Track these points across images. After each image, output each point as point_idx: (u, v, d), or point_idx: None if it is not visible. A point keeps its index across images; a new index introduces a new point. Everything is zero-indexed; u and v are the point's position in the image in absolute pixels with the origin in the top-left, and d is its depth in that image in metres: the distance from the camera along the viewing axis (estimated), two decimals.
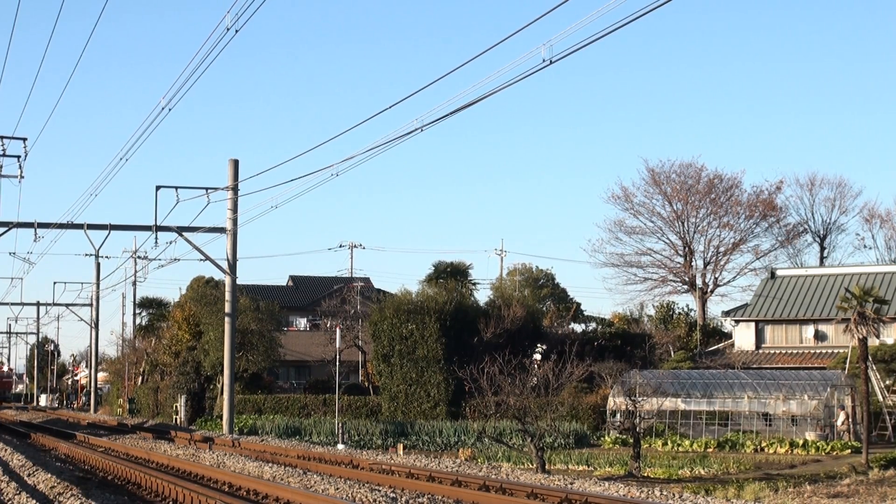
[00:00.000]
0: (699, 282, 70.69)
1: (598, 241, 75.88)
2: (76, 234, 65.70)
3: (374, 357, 55.42)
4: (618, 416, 42.94)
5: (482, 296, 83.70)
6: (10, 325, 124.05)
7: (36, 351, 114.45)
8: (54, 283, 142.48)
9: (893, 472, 30.75)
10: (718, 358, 58.85)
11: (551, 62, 17.88)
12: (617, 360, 52.03)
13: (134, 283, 79.18)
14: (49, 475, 23.66)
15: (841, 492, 25.34)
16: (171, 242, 44.55)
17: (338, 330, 49.99)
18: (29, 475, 24.67)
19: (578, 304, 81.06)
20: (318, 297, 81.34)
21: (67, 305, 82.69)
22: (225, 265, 44.21)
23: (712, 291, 70.97)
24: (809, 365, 53.25)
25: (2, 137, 41.90)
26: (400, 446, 37.88)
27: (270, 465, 27.49)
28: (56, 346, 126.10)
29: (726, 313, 65.95)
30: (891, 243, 75.52)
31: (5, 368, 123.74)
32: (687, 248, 71.03)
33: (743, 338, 60.20)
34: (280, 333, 65.36)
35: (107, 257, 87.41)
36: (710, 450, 39.33)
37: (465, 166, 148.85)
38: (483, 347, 48.28)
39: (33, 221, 43.14)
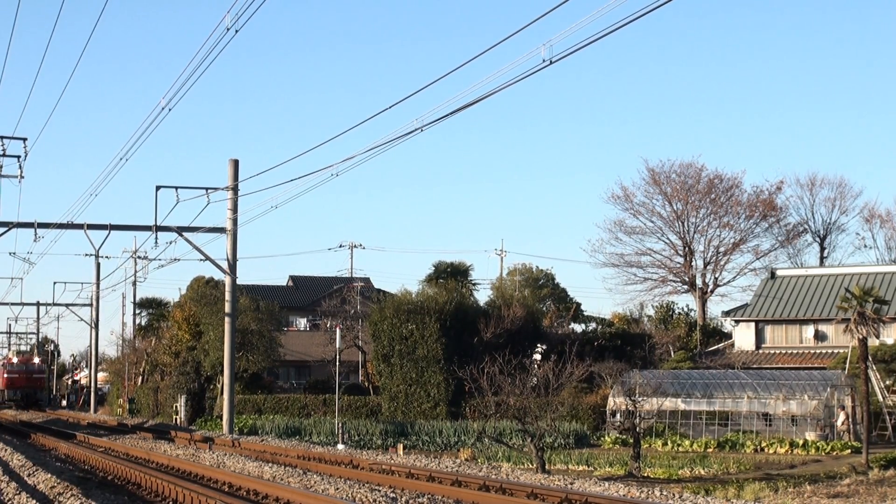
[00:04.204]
0: (699, 282, 70.71)
1: (598, 241, 75.99)
2: (76, 234, 65.72)
3: (374, 357, 55.43)
4: (618, 416, 42.95)
5: (482, 296, 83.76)
6: (10, 325, 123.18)
7: (36, 351, 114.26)
8: (54, 283, 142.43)
9: (893, 472, 30.76)
10: (718, 358, 58.86)
11: (551, 62, 17.89)
12: (617, 360, 52.01)
13: (134, 283, 79.19)
14: (49, 475, 23.66)
15: (841, 492, 25.35)
16: (171, 242, 44.58)
17: (338, 330, 49.96)
18: (29, 475, 24.67)
19: (578, 304, 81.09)
20: (318, 297, 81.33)
21: (67, 305, 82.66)
22: (225, 265, 44.21)
23: (712, 291, 71.00)
24: (809, 365, 53.25)
25: (2, 137, 41.91)
26: (400, 446, 37.88)
27: (270, 465, 27.49)
28: (56, 347, 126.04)
29: (726, 313, 65.98)
30: (891, 243, 75.60)
31: (35, 361, 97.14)
32: (687, 248, 71.05)
33: (743, 338, 60.19)
34: (280, 333, 65.37)
35: (107, 257, 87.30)
36: (710, 450, 39.33)
37: (465, 166, 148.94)
38: (483, 347, 48.27)
39: (33, 221, 43.14)
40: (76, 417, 67.70)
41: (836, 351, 54.84)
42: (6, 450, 33.29)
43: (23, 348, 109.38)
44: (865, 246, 75.83)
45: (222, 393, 48.21)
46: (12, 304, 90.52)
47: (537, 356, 48.23)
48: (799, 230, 75.30)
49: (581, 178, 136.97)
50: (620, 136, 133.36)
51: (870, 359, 39.29)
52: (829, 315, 53.93)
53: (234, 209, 43.77)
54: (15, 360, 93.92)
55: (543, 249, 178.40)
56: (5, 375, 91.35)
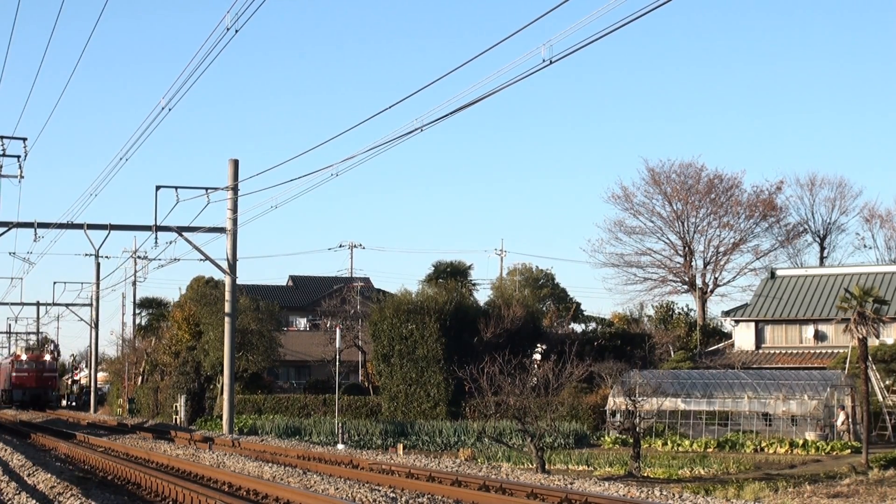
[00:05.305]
0: (699, 282, 70.72)
1: (598, 241, 76.02)
2: (76, 234, 65.78)
3: (374, 357, 55.43)
4: (618, 416, 42.93)
5: (482, 296, 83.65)
6: (10, 325, 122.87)
7: (46, 348, 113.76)
8: (54, 283, 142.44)
9: (893, 472, 30.75)
10: (718, 358, 58.86)
11: (551, 62, 17.91)
12: (617, 360, 52.02)
13: (134, 283, 79.26)
14: (49, 475, 23.66)
15: (841, 492, 25.35)
16: (171, 242, 44.61)
17: (338, 330, 49.99)
18: (29, 475, 24.68)
19: (578, 304, 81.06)
20: (318, 297, 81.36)
21: (67, 305, 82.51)
22: (225, 265, 44.21)
23: (712, 291, 71.01)
24: (809, 365, 53.25)
25: (2, 137, 41.91)
26: (400, 446, 37.88)
27: (270, 465, 27.50)
28: (56, 346, 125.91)
29: (726, 313, 65.97)
30: (891, 243, 75.63)
31: (46, 358, 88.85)
32: (687, 248, 71.06)
33: (743, 338, 60.20)
34: (280, 333, 65.36)
35: (107, 257, 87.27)
36: (710, 450, 39.34)
37: (465, 166, 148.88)
38: (483, 347, 48.28)
39: (33, 221, 43.15)
40: (76, 417, 67.68)
41: (836, 351, 54.84)
42: (6, 450, 33.28)
43: (31, 344, 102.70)
44: (865, 246, 75.96)
45: (222, 393, 48.21)
46: (12, 303, 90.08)
47: (537, 356, 48.24)
48: (799, 230, 75.36)
49: (581, 178, 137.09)
50: (620, 136, 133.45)
51: (870, 359, 39.28)
52: (829, 315, 53.94)
53: (234, 209, 43.77)
54: (24, 357, 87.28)
55: (543, 249, 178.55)
56: (14, 374, 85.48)
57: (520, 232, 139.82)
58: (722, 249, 70.93)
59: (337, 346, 47.41)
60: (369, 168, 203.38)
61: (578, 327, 74.56)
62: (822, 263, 73.54)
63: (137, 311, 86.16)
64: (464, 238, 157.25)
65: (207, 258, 43.83)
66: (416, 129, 23.56)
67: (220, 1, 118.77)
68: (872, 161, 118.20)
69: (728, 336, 64.61)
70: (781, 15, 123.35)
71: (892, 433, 44.13)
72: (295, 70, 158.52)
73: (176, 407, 58.03)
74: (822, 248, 76.98)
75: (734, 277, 71.62)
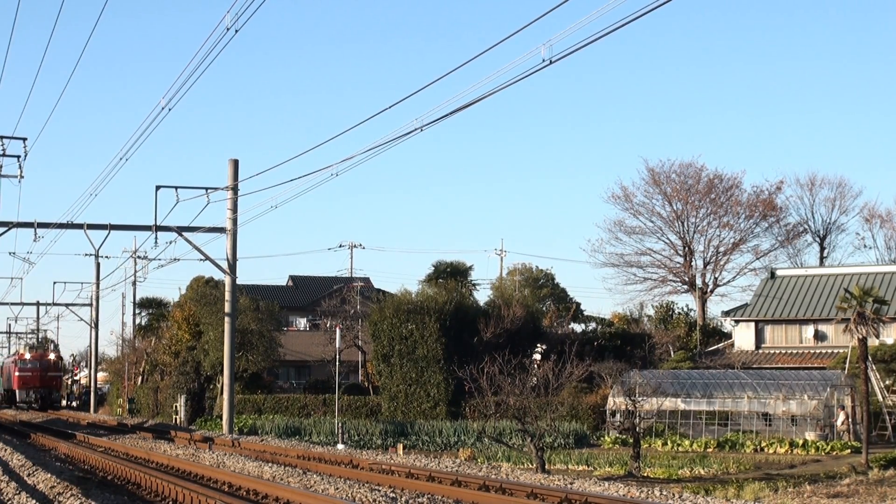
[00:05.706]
0: (699, 282, 70.73)
1: (597, 241, 76.08)
2: (76, 234, 65.62)
3: (374, 357, 55.43)
4: (618, 416, 42.94)
5: (482, 296, 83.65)
6: (10, 325, 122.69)
7: (51, 346, 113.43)
8: (54, 283, 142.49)
9: (893, 472, 30.76)
10: (718, 358, 58.86)
11: (551, 62, 17.89)
12: (617, 360, 52.03)
13: (134, 283, 79.22)
14: (49, 475, 23.66)
15: (841, 492, 25.35)
16: (170, 242, 44.59)
17: (338, 330, 49.98)
18: (29, 475, 24.67)
19: (578, 304, 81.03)
20: (318, 297, 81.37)
21: (67, 305, 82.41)
22: (225, 265, 44.21)
23: (712, 291, 71.03)
24: (809, 365, 53.25)
25: (2, 137, 41.90)
26: (400, 446, 37.88)
27: (270, 465, 27.49)
28: (56, 346, 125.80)
29: (726, 313, 65.99)
30: (891, 243, 75.61)
31: (51, 357, 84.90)
32: (687, 248, 71.08)
33: (743, 338, 60.20)
34: (280, 333, 65.36)
35: (107, 257, 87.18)
36: (710, 450, 39.35)
37: (465, 166, 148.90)
38: (483, 347, 48.29)
39: (33, 221, 43.15)
40: (76, 417, 67.64)
41: (836, 351, 54.84)
42: (6, 450, 33.28)
43: (32, 343, 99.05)
44: (865, 246, 75.95)
45: (222, 393, 48.20)
46: (12, 303, 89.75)
47: (537, 356, 48.24)
48: (799, 230, 75.36)
49: (581, 178, 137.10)
50: (620, 136, 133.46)
51: (869, 359, 39.29)
52: (829, 315, 53.92)
53: (234, 209, 43.77)
54: (28, 356, 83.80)
55: (543, 249, 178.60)
56: (17, 374, 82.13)
57: (520, 232, 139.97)
58: (722, 249, 71.00)
59: (337, 346, 47.41)
60: (369, 168, 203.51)
61: (578, 327, 74.58)
62: (822, 263, 73.54)
63: (137, 311, 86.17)
64: (464, 238, 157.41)
65: (207, 258, 43.84)
66: (416, 129, 23.56)
67: (220, 1, 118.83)
68: (872, 161, 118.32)
69: (728, 336, 64.61)
70: (781, 15, 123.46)
71: (892, 433, 44.13)
72: (295, 70, 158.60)
73: (176, 407, 58.02)
74: (822, 248, 77.07)
75: (734, 277, 71.76)
